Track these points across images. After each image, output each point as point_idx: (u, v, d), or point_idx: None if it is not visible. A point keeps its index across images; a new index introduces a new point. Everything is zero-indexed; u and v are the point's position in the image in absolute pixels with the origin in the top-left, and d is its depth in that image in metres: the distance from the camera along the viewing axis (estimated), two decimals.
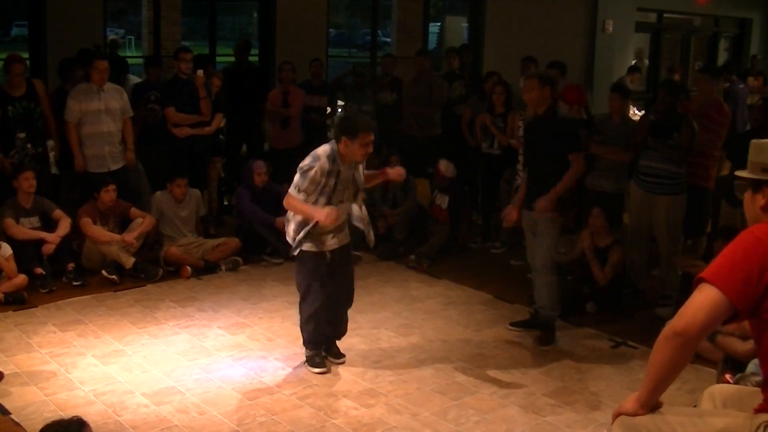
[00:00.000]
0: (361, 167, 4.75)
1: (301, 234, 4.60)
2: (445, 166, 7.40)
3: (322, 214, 4.43)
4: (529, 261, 5.64)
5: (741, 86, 10.96)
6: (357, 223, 4.86)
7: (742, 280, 2.19)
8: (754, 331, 2.35)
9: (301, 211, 4.53)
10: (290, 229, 4.69)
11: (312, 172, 4.45)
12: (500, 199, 7.43)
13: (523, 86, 5.34)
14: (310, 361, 4.81)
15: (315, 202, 4.53)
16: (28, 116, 6.51)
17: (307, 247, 4.64)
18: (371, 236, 4.90)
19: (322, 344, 4.88)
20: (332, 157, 4.51)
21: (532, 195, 5.31)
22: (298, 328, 4.89)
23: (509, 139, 7.08)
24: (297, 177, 4.52)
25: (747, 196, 2.46)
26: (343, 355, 4.96)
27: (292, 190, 4.53)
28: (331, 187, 4.53)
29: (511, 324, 5.60)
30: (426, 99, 8.57)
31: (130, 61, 10.67)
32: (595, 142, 6.53)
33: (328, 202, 4.54)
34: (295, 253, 4.67)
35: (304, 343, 4.88)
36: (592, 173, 6.62)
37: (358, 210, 4.83)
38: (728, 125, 6.66)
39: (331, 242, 4.69)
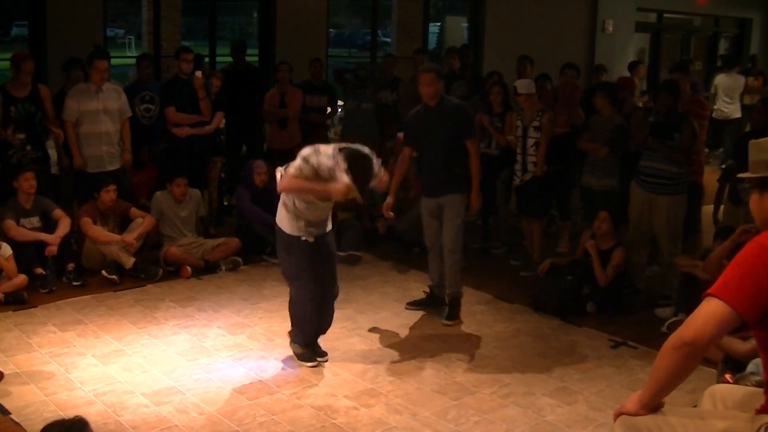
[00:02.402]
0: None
1: (285, 217, 4.67)
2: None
3: (337, 186, 4.36)
4: (426, 243, 5.85)
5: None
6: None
7: (751, 293, 2.17)
8: (759, 342, 2.34)
9: (311, 190, 4.46)
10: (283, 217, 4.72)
11: (314, 162, 4.42)
12: (497, 199, 7.43)
13: (423, 81, 5.48)
14: (301, 357, 4.85)
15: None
16: (30, 119, 6.51)
17: (289, 230, 4.67)
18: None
19: (312, 338, 4.88)
20: (330, 160, 4.44)
21: (433, 182, 5.57)
22: None
23: (508, 136, 7.06)
24: (298, 160, 4.48)
25: (754, 198, 2.42)
26: (325, 353, 4.96)
27: (291, 170, 4.49)
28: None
29: (408, 304, 5.92)
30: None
31: (130, 61, 10.66)
32: (583, 138, 6.67)
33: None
34: (279, 235, 4.74)
35: (295, 338, 4.89)
36: (583, 170, 6.76)
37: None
38: (709, 118, 6.75)
39: (309, 230, 4.67)
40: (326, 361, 4.91)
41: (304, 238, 4.64)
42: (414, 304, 5.90)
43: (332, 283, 4.92)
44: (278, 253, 4.91)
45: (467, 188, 5.59)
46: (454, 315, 5.66)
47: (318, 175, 4.43)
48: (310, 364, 4.80)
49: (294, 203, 4.64)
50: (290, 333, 4.97)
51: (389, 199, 5.72)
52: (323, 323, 4.97)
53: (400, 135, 7.64)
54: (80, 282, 6.11)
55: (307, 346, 4.88)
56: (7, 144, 6.43)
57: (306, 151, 4.53)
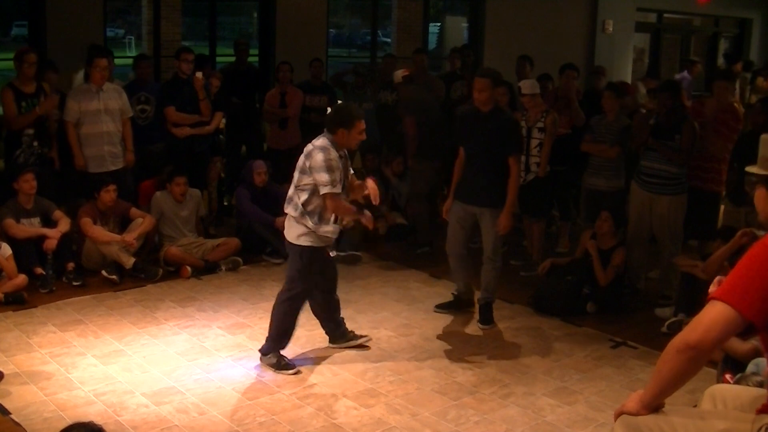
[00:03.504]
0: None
1: (302, 230, 4.65)
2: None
3: (370, 220, 4.71)
4: (447, 248, 5.80)
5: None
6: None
7: (758, 297, 2.15)
8: (765, 344, 2.34)
9: (348, 212, 4.70)
10: (293, 231, 4.68)
11: (331, 162, 4.50)
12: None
13: (475, 85, 5.45)
14: (277, 367, 4.71)
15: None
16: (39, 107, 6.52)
17: (308, 242, 4.65)
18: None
19: (285, 346, 4.83)
20: (334, 147, 4.60)
21: (470, 189, 5.48)
22: (298, 328, 4.86)
23: None
24: (323, 174, 4.46)
25: (759, 195, 2.40)
26: (365, 336, 5.17)
27: (328, 189, 4.46)
28: (343, 177, 4.65)
29: (437, 306, 5.89)
30: (422, 99, 8.53)
31: (130, 61, 10.63)
32: (585, 140, 6.66)
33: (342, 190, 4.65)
34: (296, 245, 4.68)
35: (266, 350, 4.78)
36: (587, 171, 6.74)
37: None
38: (740, 130, 6.67)
39: (329, 238, 4.75)
40: (369, 340, 5.15)
41: (333, 253, 4.79)
42: (442, 308, 5.86)
43: (334, 290, 5.05)
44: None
45: (503, 204, 5.44)
46: (488, 320, 5.61)
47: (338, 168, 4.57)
48: (290, 372, 4.68)
49: (317, 220, 4.59)
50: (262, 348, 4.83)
51: (448, 202, 5.69)
52: (336, 326, 5.10)
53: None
54: (80, 282, 6.11)
55: (277, 355, 4.76)
56: (14, 143, 6.44)
57: (318, 157, 4.50)
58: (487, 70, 5.93)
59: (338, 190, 4.52)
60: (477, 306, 5.71)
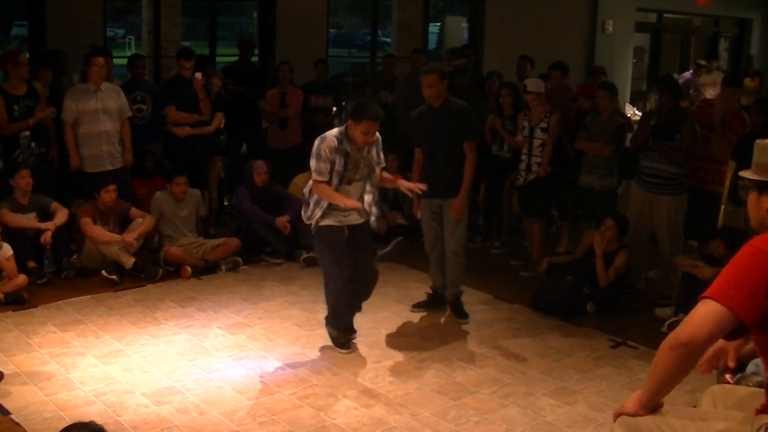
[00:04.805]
0: (374, 150, 4.91)
1: (318, 213, 4.83)
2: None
3: (350, 203, 4.68)
4: (426, 246, 5.82)
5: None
6: (367, 207, 5.00)
7: (750, 295, 2.17)
8: (759, 346, 2.34)
9: (331, 198, 4.72)
10: (308, 210, 4.91)
11: (320, 152, 4.70)
12: (504, 200, 7.45)
13: (424, 82, 5.46)
14: (335, 342, 5.04)
15: (329, 183, 4.74)
16: (33, 115, 6.51)
17: (323, 222, 4.85)
18: (373, 223, 5.11)
19: (346, 324, 5.08)
20: (339, 138, 4.73)
21: (434, 183, 5.47)
22: (298, 328, 4.91)
23: (517, 138, 7.06)
24: (312, 161, 4.74)
25: (752, 198, 2.43)
26: (354, 330, 5.18)
27: (314, 175, 4.75)
28: (342, 166, 4.73)
29: (413, 306, 5.91)
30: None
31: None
32: (579, 138, 6.69)
33: (340, 182, 4.74)
34: (313, 230, 4.93)
35: (327, 321, 5.09)
36: (581, 170, 6.77)
37: (369, 199, 4.97)
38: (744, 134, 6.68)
39: (346, 219, 4.87)
40: (354, 338, 5.16)
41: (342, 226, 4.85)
42: (419, 306, 5.90)
43: (368, 272, 5.12)
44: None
45: (469, 192, 5.49)
46: (462, 313, 5.69)
47: (333, 161, 4.69)
48: (343, 350, 4.98)
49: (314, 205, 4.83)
50: (327, 317, 5.14)
51: (416, 203, 5.70)
52: (355, 304, 5.19)
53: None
54: (79, 264, 6.23)
55: (340, 329, 5.04)
56: (13, 143, 6.44)
57: (314, 146, 4.75)
58: (432, 65, 5.98)
59: (321, 177, 4.71)
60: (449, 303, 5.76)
